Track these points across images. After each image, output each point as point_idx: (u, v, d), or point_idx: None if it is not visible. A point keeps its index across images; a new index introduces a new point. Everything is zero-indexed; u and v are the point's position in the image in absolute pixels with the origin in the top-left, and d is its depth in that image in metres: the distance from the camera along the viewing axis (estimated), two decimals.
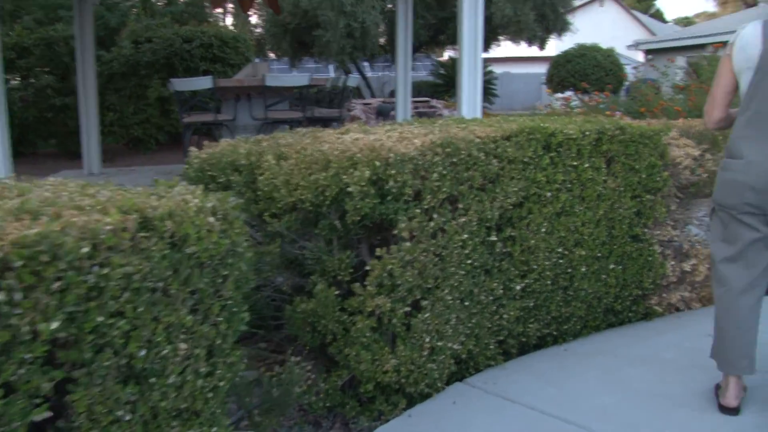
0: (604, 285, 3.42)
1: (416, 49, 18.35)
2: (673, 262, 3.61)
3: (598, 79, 18.36)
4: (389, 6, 15.40)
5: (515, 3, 15.69)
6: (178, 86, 8.43)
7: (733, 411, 2.67)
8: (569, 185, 3.18)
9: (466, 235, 2.81)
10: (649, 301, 3.63)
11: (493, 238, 2.97)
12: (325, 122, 8.93)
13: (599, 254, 3.35)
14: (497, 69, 24.34)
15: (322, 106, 9.97)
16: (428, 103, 14.85)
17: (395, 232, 2.64)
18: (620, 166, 3.33)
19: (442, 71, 17.66)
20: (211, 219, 1.78)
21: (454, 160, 2.77)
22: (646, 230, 3.49)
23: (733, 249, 2.60)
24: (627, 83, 16.60)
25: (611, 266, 3.40)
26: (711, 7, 43.41)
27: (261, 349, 3.36)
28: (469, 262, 2.86)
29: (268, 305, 3.35)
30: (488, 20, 17.17)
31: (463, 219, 2.82)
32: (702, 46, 20.59)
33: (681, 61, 15.19)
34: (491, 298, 3.02)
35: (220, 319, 1.85)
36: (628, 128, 3.31)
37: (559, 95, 16.20)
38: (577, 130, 3.17)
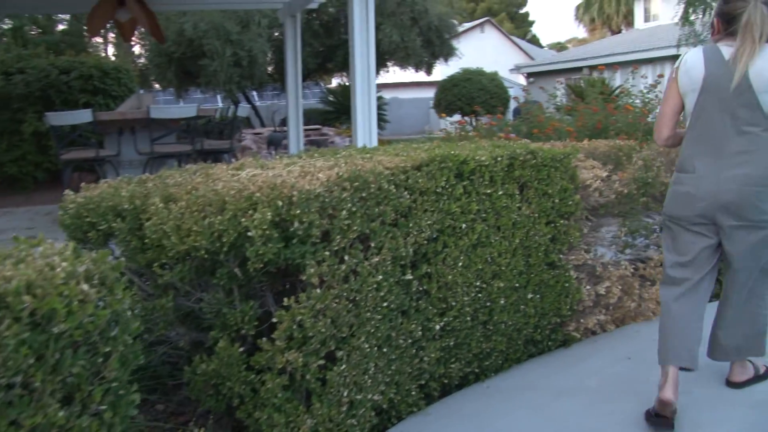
0: (524, 316, 3.25)
1: (305, 77, 18.14)
2: (588, 287, 3.50)
3: (484, 102, 18.76)
4: (276, 34, 15.12)
5: (402, 29, 15.78)
6: (55, 120, 7.79)
7: (669, 405, 2.62)
8: (484, 215, 2.99)
9: (380, 276, 2.56)
10: (567, 328, 3.50)
11: (409, 276, 2.73)
12: (216, 154, 8.51)
13: (517, 284, 3.18)
14: (386, 94, 24.47)
15: (211, 138, 9.52)
16: (320, 131, 14.65)
17: (303, 278, 2.36)
18: (533, 191, 3.18)
19: (332, 98, 17.48)
20: (85, 286, 1.44)
21: (364, 194, 2.52)
22: (561, 256, 3.35)
23: (685, 257, 2.75)
24: (516, 105, 17.05)
25: (530, 296, 3.24)
26: (581, 33, 45.67)
27: (158, 413, 2.97)
28: (385, 305, 2.60)
29: (164, 363, 2.97)
30: (376, 46, 17.22)
31: (376, 259, 2.56)
32: (578, 69, 21.55)
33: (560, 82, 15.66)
34: (410, 341, 2.77)
35: (104, 407, 1.50)
36: (539, 152, 3.17)
37: (451, 119, 16.39)
38: (488, 156, 2.99)
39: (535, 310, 3.28)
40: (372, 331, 2.55)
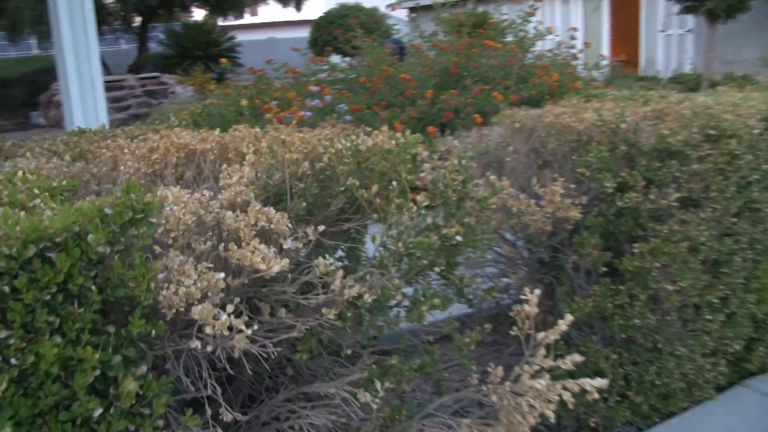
0: None
1: (150, 18, 15.03)
2: None
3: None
4: None
5: None
6: None
7: None
8: None
9: None
10: None
11: None
12: None
13: None
14: (262, 35, 21.68)
15: None
16: (158, 80, 11.85)
17: None
18: None
19: (173, 40, 14.22)
20: None
21: None
22: None
23: None
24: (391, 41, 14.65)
25: None
26: None
27: None
28: None
29: None
30: None
31: None
32: (461, 2, 19.20)
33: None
34: None
35: None
36: None
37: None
38: None
39: None
40: None
